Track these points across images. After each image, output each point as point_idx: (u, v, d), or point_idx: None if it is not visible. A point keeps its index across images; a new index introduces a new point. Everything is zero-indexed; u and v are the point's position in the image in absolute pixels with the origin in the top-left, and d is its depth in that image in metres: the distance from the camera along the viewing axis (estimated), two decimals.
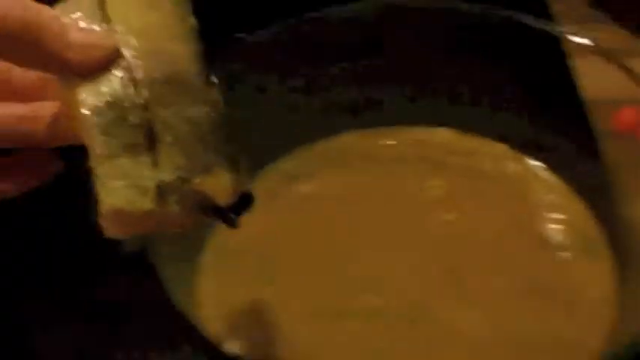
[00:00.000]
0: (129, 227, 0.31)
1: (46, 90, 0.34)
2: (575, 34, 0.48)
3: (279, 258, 0.46)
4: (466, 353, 0.42)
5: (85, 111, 0.31)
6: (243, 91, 0.48)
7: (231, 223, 0.31)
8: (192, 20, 0.33)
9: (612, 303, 0.43)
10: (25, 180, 0.34)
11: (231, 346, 0.42)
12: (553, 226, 0.48)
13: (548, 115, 0.50)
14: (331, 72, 0.51)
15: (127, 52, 0.32)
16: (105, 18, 0.32)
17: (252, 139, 0.43)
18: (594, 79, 0.50)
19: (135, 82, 0.31)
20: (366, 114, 0.53)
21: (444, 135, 0.53)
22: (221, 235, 0.46)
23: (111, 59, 0.31)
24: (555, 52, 0.49)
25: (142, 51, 0.32)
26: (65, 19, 0.32)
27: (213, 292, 0.44)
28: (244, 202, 0.32)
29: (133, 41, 0.32)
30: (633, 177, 0.46)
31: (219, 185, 0.31)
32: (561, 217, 0.48)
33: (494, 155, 0.51)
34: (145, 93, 0.31)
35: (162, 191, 0.30)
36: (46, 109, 0.33)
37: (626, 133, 0.47)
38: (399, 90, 0.52)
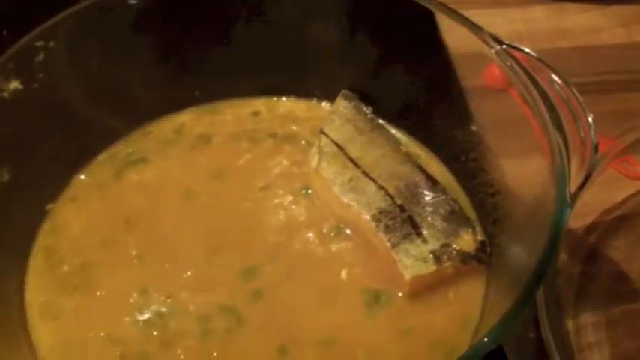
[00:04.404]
0: (423, 284, 0.46)
1: None
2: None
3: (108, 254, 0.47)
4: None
5: (366, 218, 0.47)
6: (72, 71, 0.48)
7: (482, 262, 0.47)
8: (404, 148, 0.50)
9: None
10: None
11: None
12: None
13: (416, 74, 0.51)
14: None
15: (375, 178, 0.49)
16: (348, 158, 0.50)
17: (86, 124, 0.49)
18: (459, 36, 0.47)
19: (390, 196, 0.48)
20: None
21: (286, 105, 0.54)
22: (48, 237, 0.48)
23: None
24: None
25: (382, 176, 0.49)
26: None
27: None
28: (483, 246, 0.47)
29: (375, 171, 0.49)
30: (503, 133, 0.46)
31: (467, 241, 0.47)
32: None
33: None
34: (398, 201, 0.48)
35: (436, 256, 0.46)
36: None
37: (497, 89, 0.45)
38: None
